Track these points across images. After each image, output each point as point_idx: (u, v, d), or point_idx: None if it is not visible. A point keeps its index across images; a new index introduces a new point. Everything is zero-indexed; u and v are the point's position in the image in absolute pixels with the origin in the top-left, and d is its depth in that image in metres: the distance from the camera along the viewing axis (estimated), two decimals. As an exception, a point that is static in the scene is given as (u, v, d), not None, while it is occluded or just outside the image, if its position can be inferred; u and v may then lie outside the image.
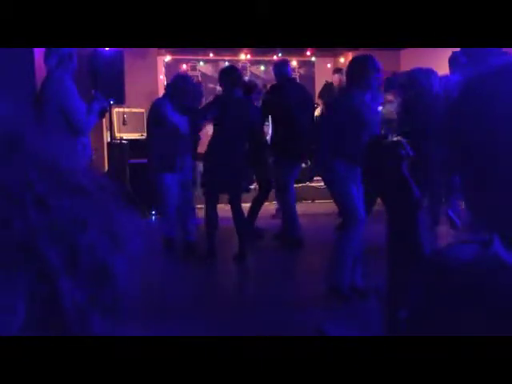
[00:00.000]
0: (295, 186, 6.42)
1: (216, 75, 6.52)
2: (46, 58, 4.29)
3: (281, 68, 6.17)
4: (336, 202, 4.43)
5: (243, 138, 5.33)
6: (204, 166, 5.77)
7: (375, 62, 4.19)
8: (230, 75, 5.42)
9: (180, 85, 5.48)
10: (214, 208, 5.53)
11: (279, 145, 5.97)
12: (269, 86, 7.03)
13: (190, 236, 5.75)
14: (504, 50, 3.53)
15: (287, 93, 5.88)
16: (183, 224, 5.72)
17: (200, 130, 6.29)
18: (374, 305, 3.32)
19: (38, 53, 4.48)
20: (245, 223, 5.61)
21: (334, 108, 4.53)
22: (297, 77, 10.78)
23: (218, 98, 5.92)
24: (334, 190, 4.38)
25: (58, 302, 0.45)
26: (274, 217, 7.26)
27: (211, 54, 10.50)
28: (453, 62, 5.29)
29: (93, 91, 4.68)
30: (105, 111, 4.96)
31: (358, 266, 4.34)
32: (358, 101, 4.16)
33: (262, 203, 6.40)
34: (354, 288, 4.34)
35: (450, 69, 5.29)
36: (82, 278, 0.46)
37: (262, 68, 10.97)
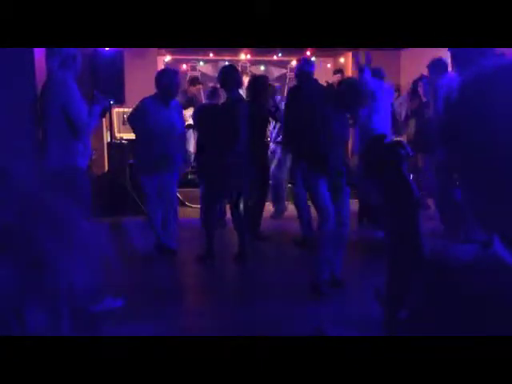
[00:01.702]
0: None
1: (216, 75, 6.48)
2: (49, 58, 4.23)
3: (304, 67, 5.85)
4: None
5: (241, 137, 5.27)
6: (206, 166, 5.72)
7: None
8: (226, 76, 5.33)
9: (164, 81, 5.30)
10: (214, 209, 5.51)
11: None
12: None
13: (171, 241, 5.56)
14: (500, 51, 3.53)
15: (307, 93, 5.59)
16: (164, 227, 5.51)
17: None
18: (373, 305, 3.31)
19: (38, 53, 4.46)
20: (244, 223, 5.58)
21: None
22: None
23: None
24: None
25: None
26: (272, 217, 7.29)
27: (211, 54, 10.50)
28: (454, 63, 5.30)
29: (94, 92, 4.65)
30: (105, 111, 4.94)
31: (338, 259, 4.53)
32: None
33: (263, 204, 6.39)
34: (334, 280, 4.52)
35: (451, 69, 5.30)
36: (18, 265, 0.45)
37: (262, 68, 10.97)
